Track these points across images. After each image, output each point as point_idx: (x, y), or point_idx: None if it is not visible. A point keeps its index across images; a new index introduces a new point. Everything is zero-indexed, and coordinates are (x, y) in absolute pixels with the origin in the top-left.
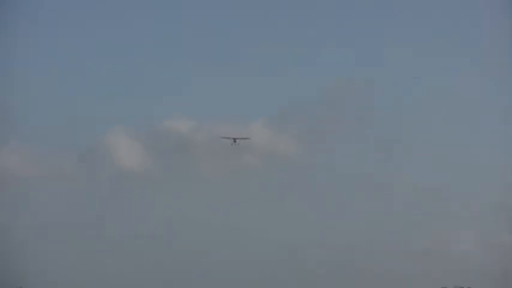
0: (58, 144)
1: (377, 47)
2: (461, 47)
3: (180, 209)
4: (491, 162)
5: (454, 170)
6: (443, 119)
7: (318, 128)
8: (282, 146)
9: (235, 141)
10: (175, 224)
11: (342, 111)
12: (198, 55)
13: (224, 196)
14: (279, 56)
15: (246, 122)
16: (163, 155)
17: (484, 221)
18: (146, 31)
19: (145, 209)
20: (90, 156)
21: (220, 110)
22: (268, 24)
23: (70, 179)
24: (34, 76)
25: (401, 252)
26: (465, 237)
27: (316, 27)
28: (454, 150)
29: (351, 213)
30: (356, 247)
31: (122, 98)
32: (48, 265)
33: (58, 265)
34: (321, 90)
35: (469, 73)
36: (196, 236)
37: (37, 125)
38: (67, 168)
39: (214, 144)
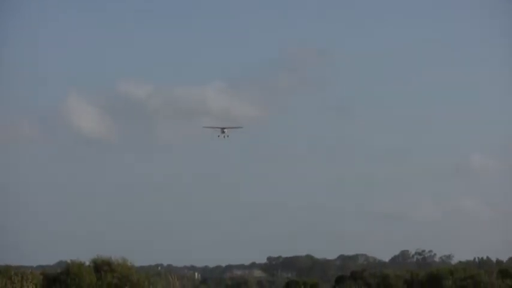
0: (17, 107)
1: (337, 14)
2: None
3: (138, 172)
4: (448, 126)
5: (412, 133)
6: (401, 84)
7: (275, 91)
8: (239, 109)
9: (223, 131)
10: (133, 187)
11: (299, 75)
12: (158, 20)
13: (182, 160)
14: (236, 19)
15: (203, 85)
16: (121, 119)
17: (442, 184)
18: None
19: (103, 171)
20: (49, 120)
21: (176, 74)
22: None
23: (28, 141)
24: None
25: (362, 213)
26: (424, 200)
27: None
28: (412, 114)
29: (311, 175)
30: (317, 208)
31: (80, 63)
32: (6, 226)
33: (15, 226)
34: (279, 55)
35: (423, 38)
36: (155, 198)
37: None
38: (26, 131)
39: (171, 109)
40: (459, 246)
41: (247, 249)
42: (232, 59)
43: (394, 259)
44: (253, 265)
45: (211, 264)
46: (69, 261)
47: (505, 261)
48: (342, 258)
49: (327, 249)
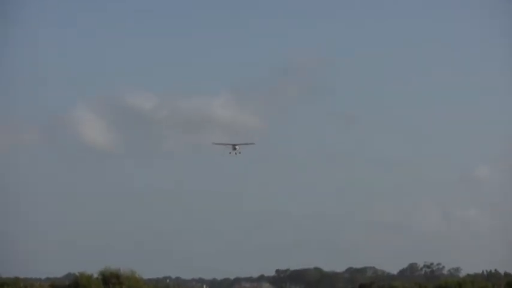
0: (22, 115)
1: (339, 24)
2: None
3: (142, 182)
4: (453, 136)
5: (417, 143)
6: (405, 93)
7: (279, 99)
8: (243, 119)
9: (235, 148)
10: (138, 196)
11: (304, 85)
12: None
13: (186, 170)
14: (241, 29)
15: (208, 97)
16: (126, 130)
17: (448, 194)
18: (111, 6)
19: (107, 181)
20: (54, 129)
21: (181, 85)
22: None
23: (32, 149)
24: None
25: (367, 223)
26: (430, 211)
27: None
28: (417, 123)
29: (314, 184)
30: (321, 217)
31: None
32: (13, 236)
33: (20, 235)
34: (283, 64)
35: (427, 48)
36: (161, 207)
37: (2, 97)
38: (30, 139)
39: (176, 119)
40: (466, 255)
41: (254, 260)
42: (237, 68)
43: (402, 272)
44: (261, 278)
45: (220, 277)
46: (77, 273)
47: None
48: (350, 271)
49: (335, 262)
